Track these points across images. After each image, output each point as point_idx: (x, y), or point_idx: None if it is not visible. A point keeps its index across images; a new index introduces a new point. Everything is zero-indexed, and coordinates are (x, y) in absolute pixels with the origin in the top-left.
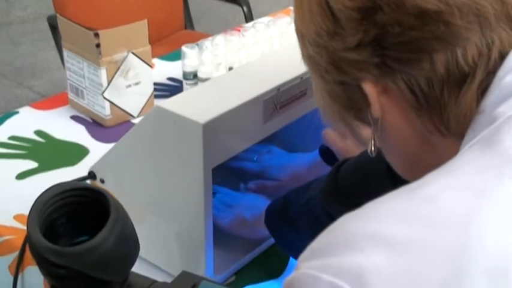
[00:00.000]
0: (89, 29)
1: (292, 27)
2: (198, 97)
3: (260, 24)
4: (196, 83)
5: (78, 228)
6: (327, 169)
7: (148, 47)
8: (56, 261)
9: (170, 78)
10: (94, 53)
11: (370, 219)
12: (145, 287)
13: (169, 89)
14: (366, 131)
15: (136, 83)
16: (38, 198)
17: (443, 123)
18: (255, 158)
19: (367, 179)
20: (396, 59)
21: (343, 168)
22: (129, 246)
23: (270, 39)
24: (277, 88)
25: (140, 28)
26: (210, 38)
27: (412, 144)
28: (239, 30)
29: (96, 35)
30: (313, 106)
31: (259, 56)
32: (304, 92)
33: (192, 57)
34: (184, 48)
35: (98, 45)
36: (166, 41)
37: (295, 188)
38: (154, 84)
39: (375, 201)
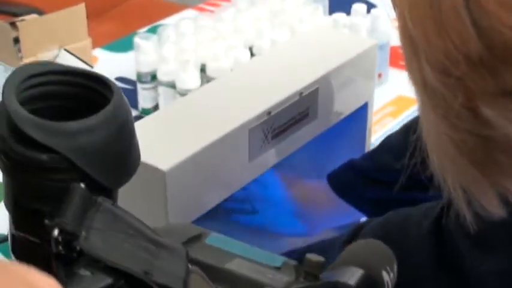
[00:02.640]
0: (7, 13)
1: (290, 2)
2: (159, 130)
3: (242, 1)
4: (155, 87)
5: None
6: (340, 204)
7: (88, 41)
8: (41, 138)
9: (120, 79)
10: (11, 51)
11: None
12: None
13: None
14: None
15: None
16: (12, 74)
17: None
18: (250, 208)
19: (402, 249)
20: None
21: (364, 235)
22: (131, 145)
23: (256, 22)
24: (268, 111)
25: (76, 15)
26: (173, 23)
27: None
28: (214, 7)
29: (13, 25)
30: (318, 130)
31: (241, 48)
32: (305, 113)
33: (148, 51)
34: (137, 39)
35: (16, 40)
36: (113, 15)
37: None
38: None
39: None
